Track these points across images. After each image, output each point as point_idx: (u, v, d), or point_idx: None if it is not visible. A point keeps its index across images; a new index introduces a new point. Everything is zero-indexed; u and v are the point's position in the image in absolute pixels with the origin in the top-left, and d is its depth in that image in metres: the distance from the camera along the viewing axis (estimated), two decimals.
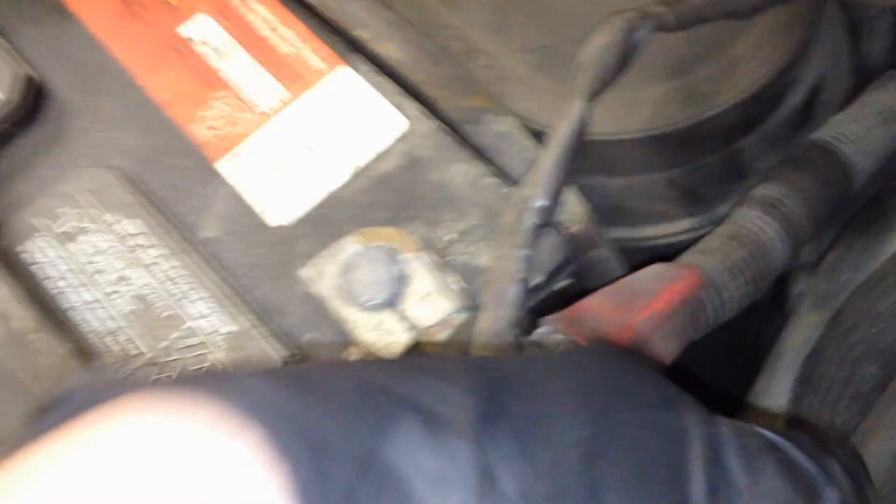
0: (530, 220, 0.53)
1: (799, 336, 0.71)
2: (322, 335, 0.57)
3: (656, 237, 0.67)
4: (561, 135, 0.53)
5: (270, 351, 0.55)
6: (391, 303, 0.55)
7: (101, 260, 0.59)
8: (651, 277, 0.53)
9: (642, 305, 0.51)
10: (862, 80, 0.69)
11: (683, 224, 0.66)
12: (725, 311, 0.57)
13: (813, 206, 0.60)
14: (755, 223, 0.58)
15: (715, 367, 0.90)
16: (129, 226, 0.59)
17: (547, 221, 0.54)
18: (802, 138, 0.64)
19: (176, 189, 0.61)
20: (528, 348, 0.52)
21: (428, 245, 0.57)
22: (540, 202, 0.53)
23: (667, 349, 0.52)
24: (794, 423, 0.69)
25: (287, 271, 0.58)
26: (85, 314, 0.58)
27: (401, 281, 0.55)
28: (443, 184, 0.60)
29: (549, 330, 0.52)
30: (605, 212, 0.65)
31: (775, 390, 0.72)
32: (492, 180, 0.59)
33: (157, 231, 0.59)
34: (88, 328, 0.57)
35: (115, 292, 0.58)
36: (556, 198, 0.53)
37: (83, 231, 0.60)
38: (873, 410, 0.61)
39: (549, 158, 0.53)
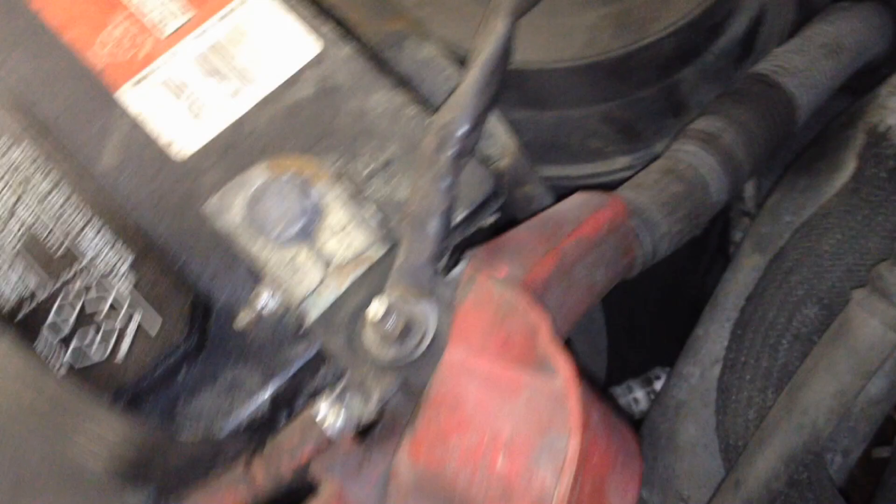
0: (452, 147, 0.49)
1: (739, 279, 0.68)
2: (229, 274, 0.53)
3: (592, 175, 0.64)
4: (483, 56, 0.49)
5: (173, 291, 0.51)
6: (304, 237, 0.51)
7: None
8: (576, 206, 0.50)
9: (567, 232, 0.48)
10: (805, 14, 0.66)
11: (620, 162, 0.63)
12: (661, 248, 0.54)
13: (753, 140, 0.57)
14: (691, 158, 0.55)
15: (660, 318, 0.88)
16: (17, 153, 0.54)
17: (470, 150, 0.50)
18: (743, 71, 0.62)
19: (72, 117, 0.56)
20: (441, 287, 0.48)
21: (344, 177, 0.53)
22: (462, 128, 0.49)
23: (594, 278, 0.49)
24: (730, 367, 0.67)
25: (192, 205, 0.54)
26: None
27: (314, 213, 0.51)
28: (361, 113, 0.56)
29: (463, 268, 0.48)
30: (538, 149, 0.62)
31: (714, 334, 0.70)
32: (414, 110, 0.55)
33: (50, 160, 0.54)
34: None
35: (3, 229, 0.53)
36: (479, 124, 0.50)
37: None
38: (813, 352, 0.59)
39: (471, 81, 0.49)
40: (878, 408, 0.67)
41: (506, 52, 0.50)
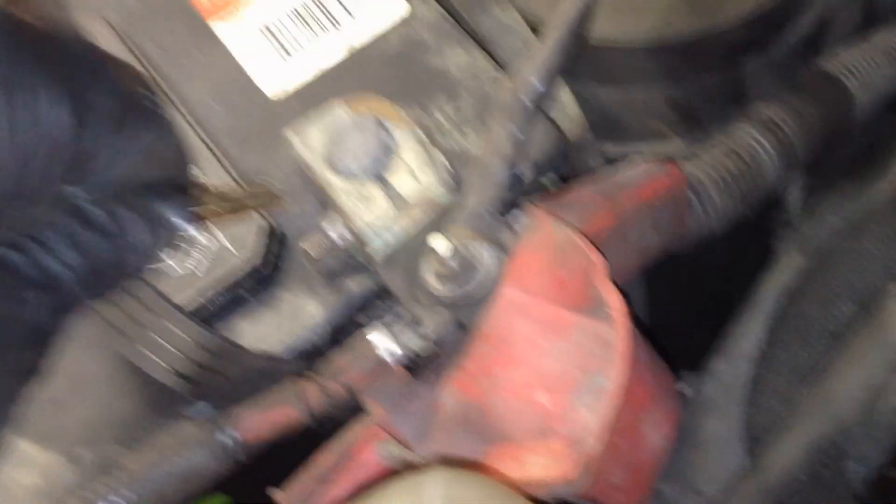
0: (526, 100, 0.52)
1: (778, 279, 0.70)
2: (304, 200, 0.56)
3: (650, 156, 0.66)
4: (565, 17, 0.52)
5: (253, 217, 0.55)
6: (376, 173, 0.54)
7: None
8: (636, 170, 0.53)
9: (627, 194, 0.51)
10: (871, 19, 0.68)
11: (678, 145, 0.66)
12: (712, 223, 0.56)
13: (811, 133, 0.59)
14: (751, 141, 0.58)
15: (691, 322, 0.89)
16: None
17: (543, 104, 0.53)
18: (807, 69, 0.64)
19: (173, 49, 0.60)
20: (502, 232, 0.51)
21: (420, 125, 0.56)
22: (537, 82, 0.52)
23: (648, 241, 0.51)
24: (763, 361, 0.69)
25: (274, 143, 0.57)
26: None
27: (388, 152, 0.54)
28: (442, 70, 0.59)
29: (520, 213, 0.51)
30: (600, 124, 0.64)
31: (750, 332, 0.72)
32: (492, 71, 0.58)
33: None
34: None
35: None
36: (553, 82, 0.52)
37: None
38: (846, 347, 0.60)
39: (552, 39, 0.52)
40: None
41: (587, 15, 0.52)
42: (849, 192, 0.68)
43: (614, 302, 0.43)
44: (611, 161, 0.61)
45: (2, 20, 0.28)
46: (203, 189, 0.41)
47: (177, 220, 0.37)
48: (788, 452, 0.62)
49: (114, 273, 0.36)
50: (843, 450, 0.68)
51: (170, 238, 0.38)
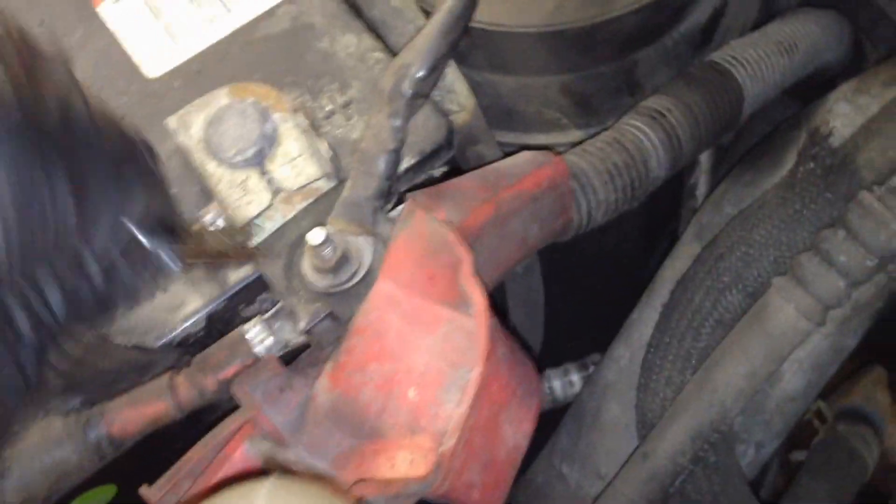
0: (407, 88, 0.51)
1: (676, 266, 0.71)
2: (183, 190, 0.54)
3: (546, 146, 0.65)
4: (448, 3, 0.51)
5: None
6: (257, 161, 0.53)
7: None
8: (519, 161, 0.52)
9: (508, 184, 0.50)
10: (768, 14, 0.69)
11: (573, 135, 0.65)
12: (597, 214, 0.56)
13: (698, 121, 0.59)
14: (637, 132, 0.58)
15: (605, 306, 0.90)
16: None
17: (426, 93, 0.52)
18: (700, 59, 0.64)
19: (53, 26, 0.58)
20: (381, 224, 0.50)
21: (304, 111, 0.55)
22: (419, 71, 0.51)
23: (528, 232, 0.51)
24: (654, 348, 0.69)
25: (155, 123, 0.55)
26: None
27: (269, 140, 0.53)
28: (329, 53, 0.58)
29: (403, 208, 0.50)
30: (496, 114, 0.64)
31: (647, 318, 0.72)
32: (380, 55, 0.57)
33: None
34: None
35: None
36: (436, 68, 0.52)
37: None
38: (730, 334, 0.61)
39: (433, 26, 0.51)
40: (793, 405, 0.69)
41: (470, 2, 0.51)
42: (744, 181, 0.68)
43: (477, 298, 0.43)
44: (507, 151, 0.61)
45: (16, 122, 0.32)
46: (188, 231, 0.44)
47: (166, 260, 0.40)
48: (673, 439, 0.63)
49: (93, 317, 0.40)
50: (734, 434, 0.70)
51: (157, 277, 0.41)
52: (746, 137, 0.77)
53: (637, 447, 0.67)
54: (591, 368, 0.90)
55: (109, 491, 0.67)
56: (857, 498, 0.82)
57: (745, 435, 0.71)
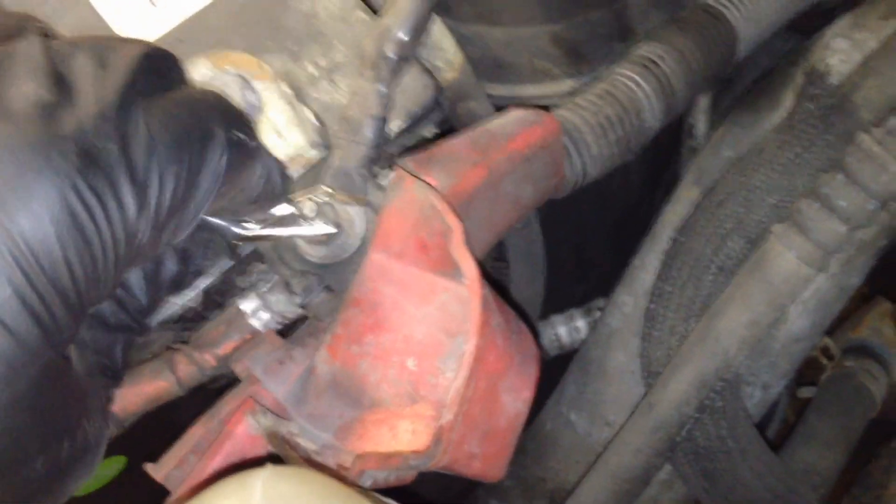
0: (391, 53, 0.50)
1: (677, 211, 0.70)
2: None
3: (538, 97, 0.64)
4: None
5: None
6: None
7: None
8: (510, 121, 0.51)
9: (499, 145, 0.49)
10: None
11: (566, 84, 0.64)
12: (591, 169, 0.55)
13: (691, 68, 0.58)
14: (629, 82, 0.56)
15: (610, 250, 0.89)
16: None
17: (410, 54, 0.51)
18: (692, 1, 0.62)
19: None
20: (372, 192, 0.49)
21: (288, 78, 0.54)
22: (401, 32, 0.49)
23: (522, 192, 0.50)
24: (657, 296, 0.69)
25: None
26: None
27: (252, 111, 0.52)
28: (311, 15, 0.56)
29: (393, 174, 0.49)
30: (486, 67, 0.62)
31: (650, 264, 0.72)
32: (363, 15, 0.55)
33: None
34: None
35: None
36: (419, 29, 0.50)
37: None
38: (733, 282, 0.61)
39: None
40: (799, 346, 0.69)
41: None
42: (743, 123, 0.67)
43: (468, 269, 0.42)
44: (499, 104, 0.59)
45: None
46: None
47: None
48: (678, 389, 0.63)
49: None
50: (740, 376, 0.70)
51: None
52: (745, 73, 0.75)
53: (643, 396, 0.67)
54: (597, 314, 0.90)
55: (119, 461, 0.68)
56: (866, 430, 0.83)
57: (751, 377, 0.71)
